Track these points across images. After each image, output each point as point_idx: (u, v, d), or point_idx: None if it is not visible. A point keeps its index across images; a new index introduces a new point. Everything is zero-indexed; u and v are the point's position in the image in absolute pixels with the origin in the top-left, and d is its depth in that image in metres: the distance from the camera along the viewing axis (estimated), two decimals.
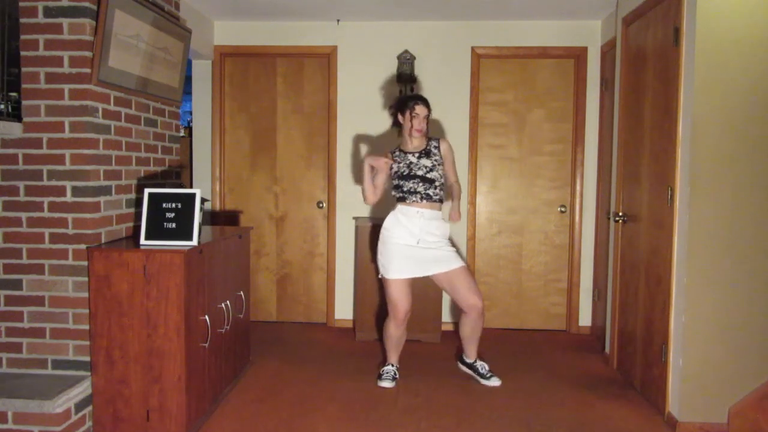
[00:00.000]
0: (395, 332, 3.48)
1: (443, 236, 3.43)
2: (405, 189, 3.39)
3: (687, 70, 2.89)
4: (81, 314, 2.74)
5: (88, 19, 2.67)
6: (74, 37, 2.67)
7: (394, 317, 3.43)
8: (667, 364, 3.03)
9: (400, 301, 3.40)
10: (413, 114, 3.39)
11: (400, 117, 3.46)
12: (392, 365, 3.57)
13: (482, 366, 3.59)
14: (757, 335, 2.90)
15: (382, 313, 4.34)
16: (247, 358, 3.76)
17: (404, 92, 4.50)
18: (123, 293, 2.68)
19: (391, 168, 3.45)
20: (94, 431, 2.76)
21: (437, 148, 3.47)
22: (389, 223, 3.41)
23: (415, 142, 3.46)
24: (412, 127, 3.39)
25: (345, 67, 4.67)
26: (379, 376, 3.54)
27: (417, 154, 3.43)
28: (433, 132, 3.92)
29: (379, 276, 3.49)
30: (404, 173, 3.40)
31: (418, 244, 3.36)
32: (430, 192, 3.38)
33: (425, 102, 3.43)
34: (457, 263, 3.39)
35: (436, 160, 3.42)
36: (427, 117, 3.43)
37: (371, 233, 4.31)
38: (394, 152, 3.49)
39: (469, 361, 3.64)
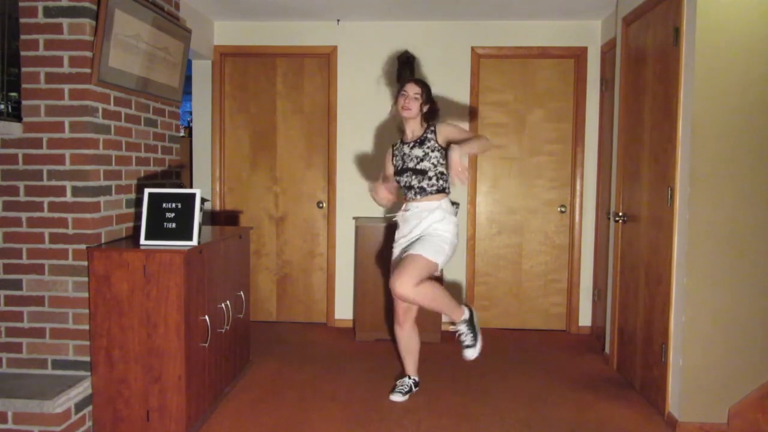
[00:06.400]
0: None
1: (430, 225, 3.06)
2: (402, 184, 3.17)
3: (687, 70, 2.89)
4: (81, 314, 2.74)
5: (88, 19, 2.67)
6: (74, 37, 2.67)
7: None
8: (667, 364, 3.03)
9: None
10: (402, 93, 3.15)
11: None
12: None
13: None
14: (757, 335, 2.90)
15: (386, 314, 4.34)
16: (247, 358, 3.76)
17: None
18: (123, 293, 2.68)
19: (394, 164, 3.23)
20: (94, 431, 2.76)
21: (434, 132, 3.12)
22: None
23: (412, 130, 3.17)
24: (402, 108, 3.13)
25: (345, 67, 4.67)
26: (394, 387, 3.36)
27: (411, 144, 3.15)
28: None
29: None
30: (399, 167, 3.18)
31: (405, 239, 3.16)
32: (425, 185, 3.08)
33: (416, 81, 3.17)
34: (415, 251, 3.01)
35: (429, 147, 3.09)
36: (420, 96, 3.12)
37: (371, 233, 4.31)
38: (395, 145, 3.27)
39: None
